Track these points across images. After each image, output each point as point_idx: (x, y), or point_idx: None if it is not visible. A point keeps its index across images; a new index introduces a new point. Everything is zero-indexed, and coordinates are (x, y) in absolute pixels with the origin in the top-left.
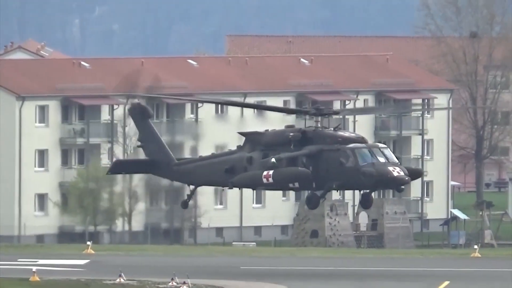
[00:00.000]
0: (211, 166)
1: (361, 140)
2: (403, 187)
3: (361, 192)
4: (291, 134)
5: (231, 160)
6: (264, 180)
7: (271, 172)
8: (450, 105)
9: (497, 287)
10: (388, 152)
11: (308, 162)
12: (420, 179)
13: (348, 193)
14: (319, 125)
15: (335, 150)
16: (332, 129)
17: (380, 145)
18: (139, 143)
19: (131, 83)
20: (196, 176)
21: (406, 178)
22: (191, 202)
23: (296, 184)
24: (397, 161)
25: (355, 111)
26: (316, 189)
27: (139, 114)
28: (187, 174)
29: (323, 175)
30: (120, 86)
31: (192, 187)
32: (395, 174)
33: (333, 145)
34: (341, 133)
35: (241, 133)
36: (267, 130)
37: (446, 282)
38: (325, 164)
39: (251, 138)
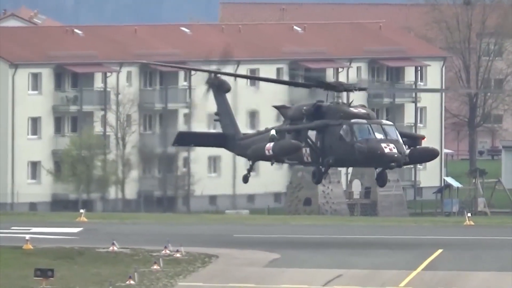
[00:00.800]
0: (257, 141)
1: (366, 116)
2: (393, 164)
3: (376, 170)
4: (304, 108)
5: (267, 135)
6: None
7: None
8: (443, 72)
9: (490, 255)
10: (391, 129)
11: (312, 136)
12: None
13: None
14: (340, 100)
15: (337, 125)
16: (347, 104)
17: (384, 121)
18: (216, 117)
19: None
20: (249, 151)
21: (396, 155)
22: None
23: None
24: (398, 139)
25: (379, 88)
26: (321, 164)
27: (216, 88)
28: (244, 149)
29: (325, 149)
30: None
31: (250, 162)
32: (386, 151)
33: (337, 120)
34: (349, 108)
35: (274, 107)
36: (293, 105)
37: (439, 251)
38: (327, 139)
39: (281, 112)
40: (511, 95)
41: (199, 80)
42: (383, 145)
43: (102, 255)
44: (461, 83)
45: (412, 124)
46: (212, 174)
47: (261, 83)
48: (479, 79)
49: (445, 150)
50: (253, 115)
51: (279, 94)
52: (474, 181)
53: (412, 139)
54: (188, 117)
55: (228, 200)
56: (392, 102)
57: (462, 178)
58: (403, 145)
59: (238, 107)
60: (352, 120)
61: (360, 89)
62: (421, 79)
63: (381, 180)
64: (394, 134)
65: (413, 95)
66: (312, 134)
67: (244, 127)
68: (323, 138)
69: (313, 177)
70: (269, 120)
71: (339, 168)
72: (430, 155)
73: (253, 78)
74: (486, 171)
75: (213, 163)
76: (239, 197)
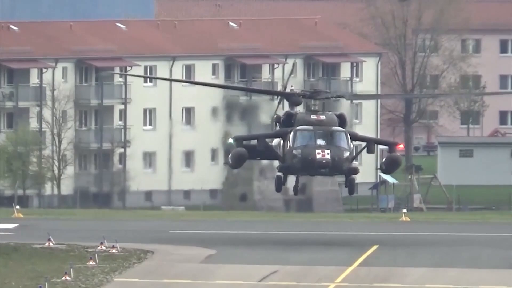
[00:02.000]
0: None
1: (318, 122)
2: (323, 170)
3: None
4: (275, 116)
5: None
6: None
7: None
8: (379, 68)
9: (425, 251)
10: (338, 136)
11: (280, 144)
12: None
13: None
14: (317, 108)
15: (288, 133)
16: (312, 111)
17: (335, 128)
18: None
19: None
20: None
21: (325, 162)
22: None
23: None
24: (341, 146)
25: (357, 97)
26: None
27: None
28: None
29: (283, 157)
30: None
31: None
32: (317, 157)
33: (292, 127)
34: (309, 115)
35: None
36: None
37: (375, 247)
38: (284, 146)
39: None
40: (447, 91)
41: (134, 77)
42: (317, 151)
43: (38, 251)
44: (396, 79)
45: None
46: (148, 170)
47: (197, 79)
48: (415, 75)
49: (380, 146)
50: (188, 112)
51: (215, 91)
52: (410, 177)
53: (388, 146)
54: (123, 113)
55: (164, 196)
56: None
57: (398, 174)
58: (346, 152)
59: (174, 104)
60: (299, 127)
61: (338, 97)
62: (357, 75)
63: (349, 188)
64: (341, 141)
65: (349, 90)
66: (278, 141)
67: (179, 123)
68: (282, 145)
69: (275, 184)
70: (204, 117)
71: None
72: (395, 164)
73: (231, 87)
74: (421, 167)
75: (149, 159)
76: (174, 193)
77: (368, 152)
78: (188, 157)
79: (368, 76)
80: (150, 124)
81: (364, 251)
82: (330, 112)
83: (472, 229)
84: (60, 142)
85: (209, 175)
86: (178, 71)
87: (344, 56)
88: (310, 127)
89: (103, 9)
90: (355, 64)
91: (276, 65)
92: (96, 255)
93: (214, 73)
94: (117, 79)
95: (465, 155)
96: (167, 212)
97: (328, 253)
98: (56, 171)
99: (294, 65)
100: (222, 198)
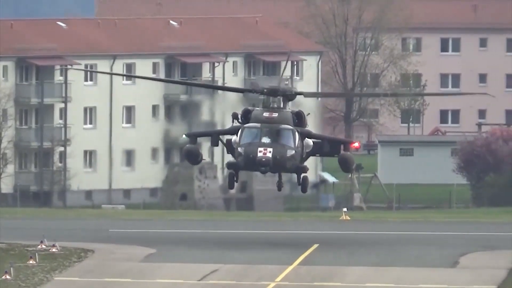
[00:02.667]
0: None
1: (266, 120)
2: (263, 168)
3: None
4: (234, 112)
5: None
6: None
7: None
8: (319, 67)
9: (366, 250)
10: (285, 134)
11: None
12: None
13: (218, 156)
14: (275, 105)
15: (237, 129)
16: (267, 109)
17: (283, 126)
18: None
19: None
20: None
21: (264, 160)
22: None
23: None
24: (285, 144)
25: (316, 94)
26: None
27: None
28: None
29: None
30: None
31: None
32: (259, 155)
33: (242, 125)
34: (262, 113)
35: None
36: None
37: (315, 245)
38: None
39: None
40: (387, 89)
41: (74, 75)
42: (260, 149)
43: None
44: (337, 78)
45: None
46: (88, 169)
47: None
48: (356, 73)
49: None
50: (129, 110)
51: (155, 90)
52: (350, 176)
53: (343, 144)
54: (63, 112)
55: (104, 195)
56: None
57: (338, 172)
58: (291, 151)
59: (114, 102)
60: (246, 124)
61: (297, 94)
62: (297, 73)
63: (302, 187)
64: (286, 139)
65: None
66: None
67: (119, 122)
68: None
69: (227, 181)
70: (145, 116)
71: (215, 163)
72: (347, 163)
73: (195, 85)
74: (362, 165)
75: (89, 158)
76: (115, 192)
77: (323, 150)
78: (129, 156)
79: (309, 75)
80: (90, 123)
81: (304, 250)
82: (287, 110)
83: (412, 228)
84: (0, 141)
85: (149, 173)
86: (119, 70)
87: (285, 54)
88: (258, 125)
89: (46, 8)
90: (295, 63)
91: (216, 64)
92: (36, 254)
93: (154, 71)
94: (58, 77)
95: (405, 154)
96: (108, 211)
97: (268, 252)
98: None
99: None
100: (162, 196)
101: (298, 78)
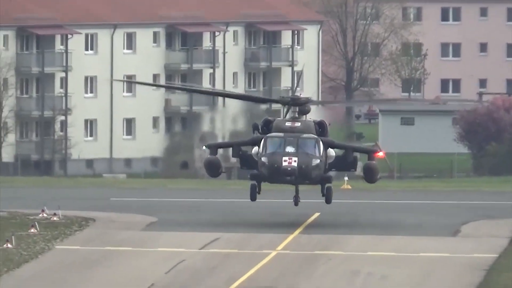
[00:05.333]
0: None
1: (289, 129)
2: (288, 178)
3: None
4: (254, 123)
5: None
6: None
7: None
8: (320, 36)
9: (366, 219)
10: (308, 143)
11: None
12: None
13: (218, 125)
14: (296, 115)
15: (261, 140)
16: (288, 119)
17: (306, 135)
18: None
19: None
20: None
21: (289, 169)
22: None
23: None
24: (309, 153)
25: (326, 102)
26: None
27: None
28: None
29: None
30: None
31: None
32: (283, 164)
33: (265, 134)
34: (284, 123)
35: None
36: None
37: (316, 214)
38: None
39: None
40: (388, 59)
41: (74, 44)
42: (284, 158)
43: None
44: (337, 47)
45: (289, 88)
46: (89, 138)
47: (138, 47)
48: (356, 43)
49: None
50: (129, 79)
51: (156, 59)
52: None
53: (367, 153)
54: (63, 81)
55: (105, 164)
56: (269, 66)
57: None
58: (316, 160)
59: (115, 71)
60: (269, 134)
61: (305, 103)
62: (298, 43)
63: (326, 197)
64: (311, 148)
65: (290, 58)
66: (256, 150)
67: (120, 91)
68: (257, 155)
69: (250, 193)
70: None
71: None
72: (373, 172)
73: (217, 94)
74: (363, 135)
75: (90, 127)
76: (116, 161)
77: (346, 159)
78: (129, 125)
79: (309, 44)
80: (91, 92)
81: (305, 219)
82: (310, 119)
83: (413, 196)
84: (1, 110)
85: (150, 143)
86: (119, 39)
87: (285, 24)
88: (281, 134)
89: None
90: (296, 32)
91: (217, 33)
92: (37, 222)
93: (155, 41)
94: (58, 46)
95: (406, 123)
96: (109, 180)
97: (269, 220)
98: None
99: (301, 73)
100: (163, 165)
101: (298, 47)
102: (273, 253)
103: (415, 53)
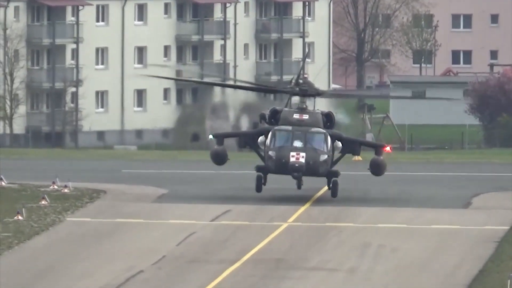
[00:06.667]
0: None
1: (297, 122)
2: (296, 174)
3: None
4: (261, 112)
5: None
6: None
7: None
8: (331, 7)
9: (378, 190)
10: (316, 137)
11: (255, 141)
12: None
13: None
14: (304, 106)
15: (268, 131)
16: (296, 110)
17: (314, 129)
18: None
19: None
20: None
21: (297, 165)
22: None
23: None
24: (317, 148)
25: (338, 95)
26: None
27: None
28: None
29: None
30: None
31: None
32: (291, 160)
33: (272, 126)
34: (292, 114)
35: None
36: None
37: (327, 187)
38: (265, 145)
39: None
40: (399, 30)
41: (86, 15)
42: (292, 153)
43: None
44: (349, 18)
45: (300, 59)
46: (100, 110)
47: (149, 18)
48: (367, 14)
49: (333, 86)
50: (140, 51)
51: (167, 30)
52: (362, 116)
53: (374, 148)
54: (75, 52)
55: (116, 136)
56: (280, 37)
57: (350, 113)
58: (324, 155)
59: (126, 43)
60: (276, 127)
61: (318, 94)
62: (309, 14)
63: (332, 191)
64: (319, 143)
65: (301, 29)
66: (262, 140)
67: (131, 62)
68: (263, 144)
69: (255, 184)
70: (156, 56)
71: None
72: (380, 168)
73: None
74: (374, 106)
75: (101, 98)
76: (127, 132)
77: (353, 154)
78: (140, 96)
79: (320, 15)
80: (102, 64)
81: (316, 191)
82: (317, 110)
83: (424, 168)
84: (12, 81)
85: (161, 114)
86: (130, 11)
87: None
88: (289, 128)
89: None
90: (307, 3)
91: (228, 4)
92: (48, 194)
93: (166, 12)
94: (69, 18)
95: (417, 95)
96: (120, 152)
97: (280, 192)
98: (8, 110)
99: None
100: (174, 137)
101: (309, 18)
102: (285, 225)
103: (426, 24)
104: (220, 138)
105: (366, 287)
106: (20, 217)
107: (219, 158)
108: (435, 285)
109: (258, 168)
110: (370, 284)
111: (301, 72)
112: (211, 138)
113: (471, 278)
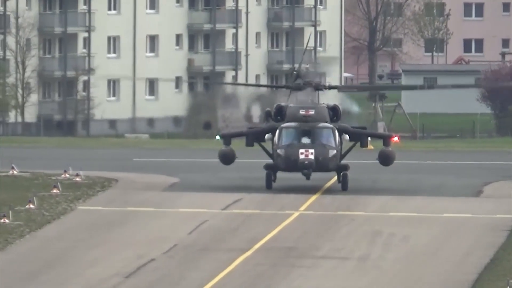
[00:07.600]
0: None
1: (303, 118)
2: (306, 171)
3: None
4: (267, 109)
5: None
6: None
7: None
8: None
9: (388, 179)
10: (324, 133)
11: (263, 139)
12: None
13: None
14: (309, 100)
15: (276, 128)
16: (302, 106)
17: (322, 124)
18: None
19: None
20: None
21: (307, 162)
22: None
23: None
24: (325, 144)
25: (352, 88)
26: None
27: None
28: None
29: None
30: None
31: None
32: (301, 157)
33: (280, 123)
34: (298, 110)
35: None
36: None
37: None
38: (272, 142)
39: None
40: (411, 19)
41: (97, 4)
42: (301, 151)
43: (1, 179)
44: (360, 7)
45: (312, 48)
46: (111, 98)
47: (161, 7)
48: (379, 2)
49: (345, 74)
50: (152, 40)
51: (179, 19)
52: (373, 105)
53: (382, 139)
54: (87, 41)
55: (128, 124)
56: (292, 26)
57: (362, 101)
58: (333, 151)
59: (138, 31)
60: (283, 124)
61: (331, 88)
62: (321, 2)
63: (342, 184)
64: (328, 139)
65: (312, 18)
66: (269, 137)
67: (143, 51)
68: (272, 142)
69: (265, 181)
70: (168, 45)
71: (239, 92)
72: (388, 159)
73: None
74: (386, 95)
75: (113, 87)
76: (138, 121)
77: (361, 146)
78: (152, 84)
79: (332, 4)
80: (114, 52)
81: (327, 180)
82: (323, 104)
83: (436, 157)
84: (24, 70)
85: (173, 103)
86: None
87: None
88: (296, 124)
89: None
90: None
91: None
92: (59, 183)
93: (178, 1)
94: (81, 6)
95: (429, 83)
96: (131, 140)
97: (291, 181)
98: (20, 99)
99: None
100: (186, 126)
101: (321, 7)
102: (296, 214)
103: (438, 13)
104: (227, 138)
105: (377, 275)
106: (31, 206)
107: (227, 159)
108: (446, 273)
109: (267, 167)
110: (381, 272)
111: (303, 63)
112: (218, 139)
113: (482, 266)
